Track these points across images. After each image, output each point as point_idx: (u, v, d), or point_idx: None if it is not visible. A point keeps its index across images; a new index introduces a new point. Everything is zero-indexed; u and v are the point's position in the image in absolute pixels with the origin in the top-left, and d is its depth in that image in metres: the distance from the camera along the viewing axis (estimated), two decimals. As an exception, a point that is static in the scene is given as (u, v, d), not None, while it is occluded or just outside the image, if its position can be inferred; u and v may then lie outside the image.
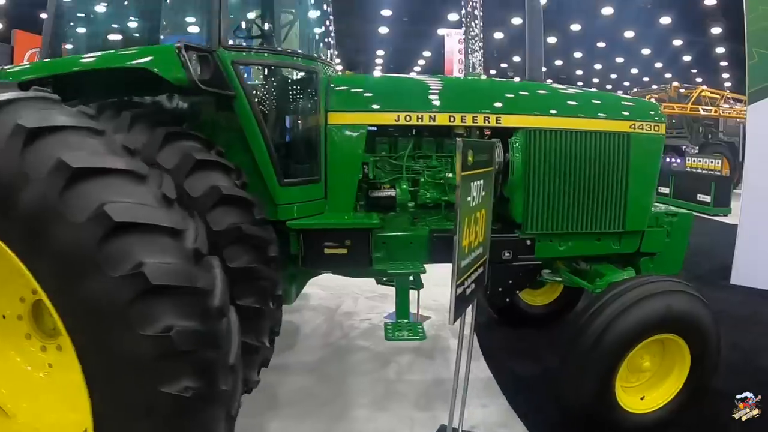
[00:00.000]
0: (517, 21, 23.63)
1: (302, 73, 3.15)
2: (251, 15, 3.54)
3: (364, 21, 25.20)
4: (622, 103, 3.63)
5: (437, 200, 3.26)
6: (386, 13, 24.46)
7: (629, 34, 25.86)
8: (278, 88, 3.18)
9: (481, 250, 2.57)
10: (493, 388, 3.52)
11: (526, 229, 3.25)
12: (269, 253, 2.59)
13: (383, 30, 27.42)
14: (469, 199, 2.29)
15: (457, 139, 2.26)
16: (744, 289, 5.91)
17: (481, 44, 11.52)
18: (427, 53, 32.54)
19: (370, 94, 3.20)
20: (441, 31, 22.67)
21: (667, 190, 13.02)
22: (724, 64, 29.98)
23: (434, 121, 3.10)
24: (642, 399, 2.93)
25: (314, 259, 3.01)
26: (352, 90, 3.18)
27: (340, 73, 3.45)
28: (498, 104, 3.24)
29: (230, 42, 2.76)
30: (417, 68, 36.60)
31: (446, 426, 2.65)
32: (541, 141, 3.18)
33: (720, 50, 27.40)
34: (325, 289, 5.28)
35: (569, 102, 3.41)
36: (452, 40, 21.14)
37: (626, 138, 3.32)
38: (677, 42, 27.08)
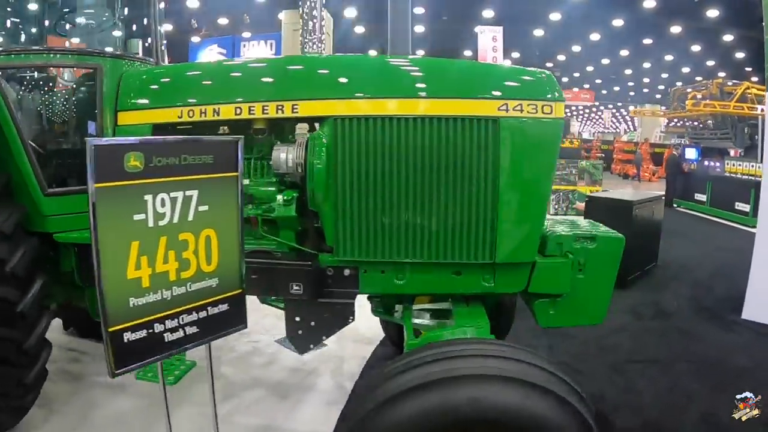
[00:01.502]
0: (555, 17, 22.28)
1: (82, 71, 2.75)
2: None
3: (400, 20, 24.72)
4: (489, 74, 2.62)
5: (253, 213, 2.56)
6: (420, 11, 23.76)
7: (675, 29, 23.69)
8: (47, 90, 2.78)
9: (212, 283, 1.96)
10: None
11: (338, 254, 2.43)
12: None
13: (419, 29, 26.76)
14: (138, 217, 1.70)
15: (87, 139, 1.63)
16: (755, 327, 4.72)
17: (321, 44, 10.82)
18: (468, 52, 31.59)
19: (156, 87, 2.66)
20: (478, 29, 21.71)
21: (704, 198, 11.59)
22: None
23: (218, 115, 2.45)
24: None
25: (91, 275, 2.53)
26: (140, 85, 2.65)
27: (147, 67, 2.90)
28: (295, 88, 2.48)
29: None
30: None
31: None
32: (352, 133, 2.34)
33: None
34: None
35: (399, 76, 2.51)
36: (486, 37, 20.10)
37: (492, 125, 2.31)
38: (728, 37, 24.53)
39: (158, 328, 1.79)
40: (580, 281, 2.50)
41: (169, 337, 1.83)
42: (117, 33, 3.09)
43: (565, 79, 36.23)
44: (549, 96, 2.35)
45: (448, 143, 2.31)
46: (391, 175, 2.35)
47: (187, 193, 1.82)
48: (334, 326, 2.54)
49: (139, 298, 1.73)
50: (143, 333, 1.75)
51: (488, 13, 22.07)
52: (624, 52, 28.94)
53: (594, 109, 50.53)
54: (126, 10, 3.17)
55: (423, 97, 2.37)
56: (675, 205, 13.01)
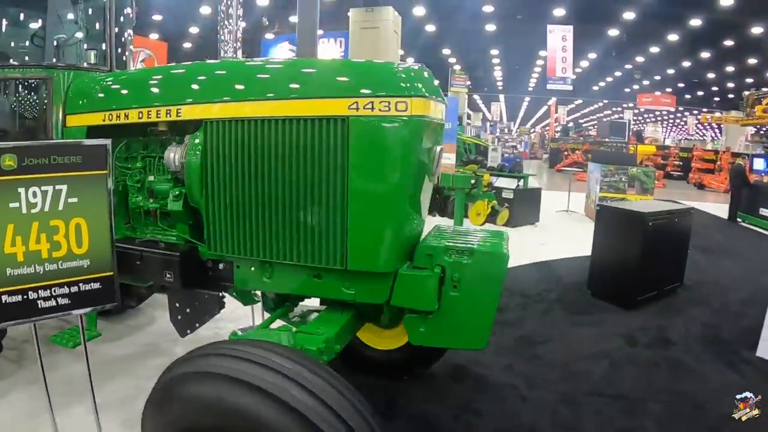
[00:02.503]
0: (629, 15, 21.19)
1: (31, 82, 3.25)
2: None
3: (472, 19, 24.51)
4: (341, 71, 2.49)
5: (143, 206, 3.01)
6: (489, 9, 23.47)
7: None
8: (7, 95, 3.30)
9: (83, 263, 2.44)
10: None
11: (210, 248, 2.64)
12: None
13: (490, 28, 26.41)
14: (13, 205, 2.22)
15: None
16: (765, 367, 4.01)
17: (237, 44, 10.55)
18: (543, 52, 30.70)
19: (91, 94, 3.10)
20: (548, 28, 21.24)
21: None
22: None
23: (128, 119, 2.86)
24: None
25: None
26: (81, 92, 3.14)
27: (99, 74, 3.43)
28: (180, 93, 2.70)
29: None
30: (537, 69, 34.78)
31: None
32: (218, 135, 2.50)
33: None
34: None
35: (258, 79, 2.60)
36: (555, 36, 19.67)
37: (341, 124, 2.26)
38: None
39: (32, 295, 2.31)
40: (455, 299, 2.39)
41: (42, 304, 2.34)
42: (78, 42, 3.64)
43: (645, 82, 34.21)
44: (405, 92, 2.22)
45: (301, 145, 2.33)
46: (253, 176, 2.46)
47: (57, 187, 2.32)
48: (206, 314, 2.90)
49: (15, 269, 2.25)
50: (18, 297, 2.27)
51: (559, 12, 21.39)
52: (705, 54, 26.89)
53: (678, 115, 47.21)
54: (86, 25, 3.70)
55: (273, 99, 2.41)
56: (739, 220, 12.16)
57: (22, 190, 2.23)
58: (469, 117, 53.35)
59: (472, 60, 31.20)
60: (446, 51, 31.92)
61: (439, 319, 2.43)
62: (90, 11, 3.76)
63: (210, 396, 1.73)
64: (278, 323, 2.77)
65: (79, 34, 3.71)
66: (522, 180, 10.07)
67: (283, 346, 2.04)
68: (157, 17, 26.69)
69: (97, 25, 3.65)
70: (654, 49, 26.73)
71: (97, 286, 2.48)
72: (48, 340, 3.91)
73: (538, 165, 32.83)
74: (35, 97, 3.23)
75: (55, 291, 2.37)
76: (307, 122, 2.33)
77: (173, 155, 2.73)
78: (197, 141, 2.63)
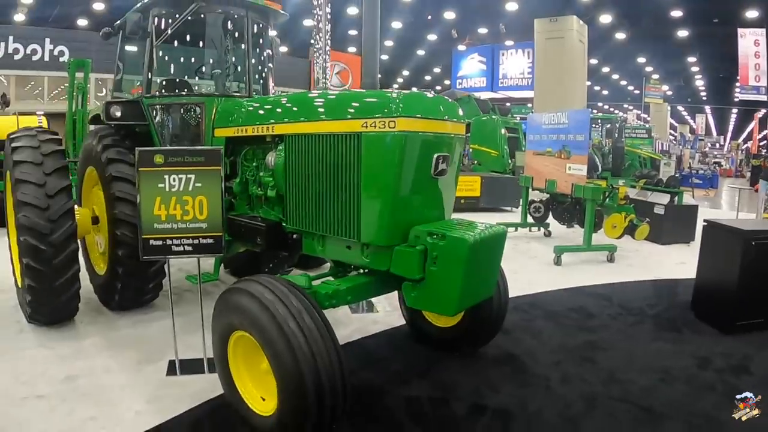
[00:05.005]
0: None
1: (193, 106, 4.65)
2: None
3: (663, 25, 22.55)
4: (358, 98, 3.34)
5: (255, 193, 4.18)
6: (677, 13, 21.25)
7: None
8: (176, 116, 4.74)
9: (202, 225, 3.63)
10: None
11: (287, 224, 3.72)
12: None
13: (682, 33, 23.76)
14: (161, 185, 3.50)
15: (137, 149, 3.48)
16: None
17: (327, 57, 9.70)
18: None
19: (226, 114, 4.38)
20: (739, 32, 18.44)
21: None
22: None
23: (246, 132, 4.09)
24: (263, 400, 2.92)
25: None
26: (222, 113, 4.44)
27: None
28: (274, 115, 3.84)
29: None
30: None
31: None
32: (293, 145, 3.55)
33: None
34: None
35: (313, 106, 3.58)
36: (747, 41, 17.10)
37: (357, 138, 3.11)
38: None
39: (168, 242, 3.57)
40: (434, 273, 2.98)
41: (174, 248, 3.59)
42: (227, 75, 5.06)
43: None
44: (394, 114, 2.98)
45: (334, 152, 3.26)
46: (308, 174, 3.48)
47: (188, 176, 3.54)
48: (281, 267, 4.02)
49: (159, 224, 3.54)
50: (160, 242, 3.55)
51: (751, 14, 18.41)
52: None
53: None
54: (234, 63, 5.08)
55: (320, 120, 3.41)
56: None
57: (166, 177, 3.51)
58: (674, 129, 47.69)
59: (671, 68, 28.17)
60: (641, 59, 29.39)
61: (423, 287, 3.07)
62: (236, 52, 5.13)
63: (235, 301, 2.82)
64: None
65: (228, 69, 5.13)
66: (676, 196, 9.33)
67: (293, 283, 2.88)
68: (353, 32, 29.52)
69: (239, 65, 5.02)
70: None
71: (210, 241, 3.65)
72: (184, 278, 5.60)
73: (740, 183, 28.09)
74: (197, 115, 4.64)
75: (183, 241, 3.60)
76: (336, 137, 3.27)
77: (270, 158, 3.94)
78: (280, 148, 3.77)
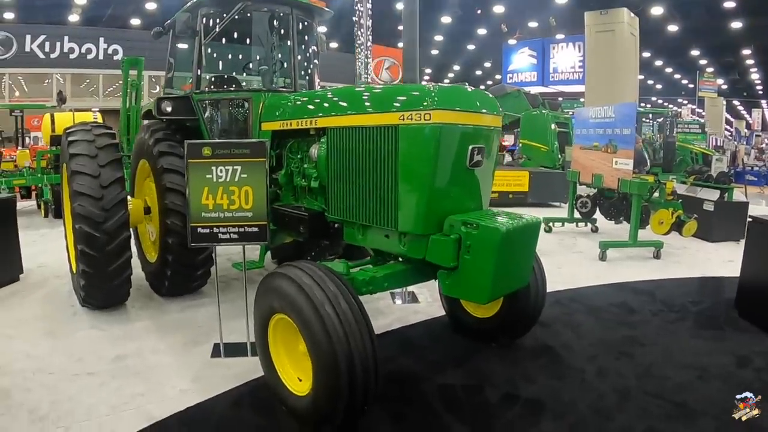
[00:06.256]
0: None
1: (240, 101, 4.82)
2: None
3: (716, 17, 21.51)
4: (396, 92, 3.38)
5: (299, 184, 4.31)
6: (730, 5, 20.22)
7: None
8: (224, 111, 4.91)
9: (248, 214, 3.79)
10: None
11: (329, 213, 3.84)
12: None
13: (736, 25, 22.58)
14: (208, 176, 3.68)
15: (186, 141, 3.67)
16: None
17: (368, 53, 9.36)
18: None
19: (272, 109, 4.52)
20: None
21: None
22: None
23: (291, 126, 4.22)
24: (300, 381, 3.04)
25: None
26: (268, 108, 4.59)
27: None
28: (316, 109, 3.93)
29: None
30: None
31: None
32: (334, 138, 3.65)
33: None
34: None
35: (354, 100, 3.66)
36: None
37: (395, 130, 3.19)
38: None
39: (215, 230, 3.76)
40: (468, 261, 3.03)
41: (221, 236, 3.78)
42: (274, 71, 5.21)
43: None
44: (428, 106, 3.05)
45: (373, 144, 3.34)
46: (350, 165, 3.56)
47: (234, 167, 3.71)
48: (323, 255, 4.15)
49: (206, 213, 3.73)
50: (207, 230, 3.75)
51: None
52: None
53: None
54: (280, 59, 5.21)
55: (359, 113, 3.48)
56: None
57: (214, 168, 3.69)
58: (730, 124, 45.48)
59: (726, 61, 26.87)
60: (694, 52, 28.17)
61: (458, 275, 3.13)
62: (282, 49, 5.28)
63: (275, 284, 2.95)
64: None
65: (275, 66, 5.29)
66: (726, 192, 8.98)
67: (331, 269, 2.98)
68: (402, 27, 29.64)
69: (285, 62, 5.17)
70: None
71: (255, 229, 3.81)
72: (231, 265, 5.76)
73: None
74: (245, 110, 4.83)
75: (229, 229, 3.78)
76: (376, 129, 3.35)
77: (314, 150, 4.06)
78: (323, 141, 3.88)
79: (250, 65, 5.50)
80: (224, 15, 4.73)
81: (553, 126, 15.25)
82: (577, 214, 9.67)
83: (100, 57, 18.99)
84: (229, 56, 5.60)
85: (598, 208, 9.52)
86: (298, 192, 4.46)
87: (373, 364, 2.64)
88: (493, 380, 3.64)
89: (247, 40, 5.37)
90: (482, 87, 30.97)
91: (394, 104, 3.28)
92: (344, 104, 3.74)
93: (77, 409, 3.19)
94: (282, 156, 4.55)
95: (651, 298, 5.67)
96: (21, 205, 10.57)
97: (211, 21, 4.84)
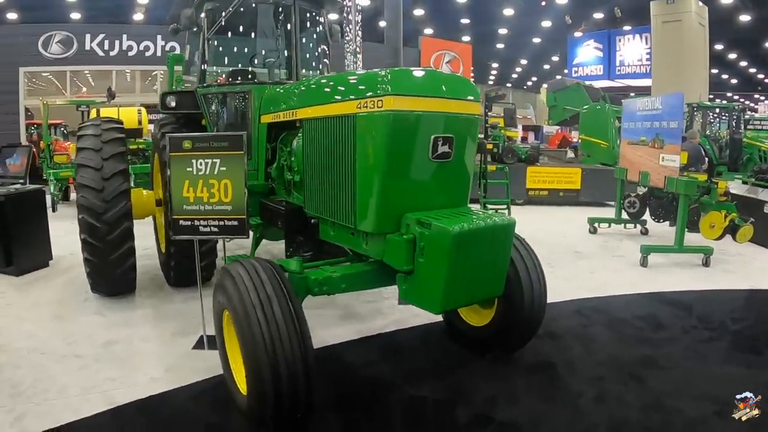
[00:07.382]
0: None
1: (241, 94, 4.75)
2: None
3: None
4: (357, 79, 3.15)
5: (287, 178, 4.19)
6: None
7: None
8: (227, 104, 4.88)
9: (227, 208, 3.72)
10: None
11: (305, 209, 3.70)
12: None
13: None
14: (189, 169, 3.64)
15: (168, 135, 3.63)
16: None
17: (357, 47, 8.58)
18: None
19: (271, 101, 4.39)
20: None
21: None
22: None
23: (280, 118, 4.08)
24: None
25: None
26: (266, 100, 4.47)
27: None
28: (298, 100, 3.76)
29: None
30: None
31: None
32: (307, 129, 3.53)
33: None
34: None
35: (319, 90, 3.49)
36: None
37: (353, 120, 2.94)
38: None
39: (196, 222, 3.73)
40: (421, 264, 2.76)
41: (201, 228, 3.74)
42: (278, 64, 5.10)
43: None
44: (380, 92, 2.78)
45: (334, 135, 3.14)
46: (319, 158, 3.37)
47: (213, 160, 3.64)
48: (301, 249, 4.01)
49: (187, 206, 3.70)
50: (188, 222, 3.72)
51: None
52: None
53: None
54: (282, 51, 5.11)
55: (322, 104, 3.30)
56: None
57: (194, 161, 3.65)
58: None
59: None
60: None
61: (413, 279, 2.86)
62: (287, 41, 5.15)
63: (222, 281, 2.88)
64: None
65: (280, 58, 5.18)
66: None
67: (277, 268, 2.86)
68: (465, 21, 28.75)
69: (286, 52, 5.05)
70: None
71: (234, 223, 3.73)
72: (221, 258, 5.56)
73: None
74: (246, 103, 4.77)
75: (209, 222, 3.74)
76: (334, 119, 3.15)
77: (295, 143, 3.93)
78: (299, 134, 3.74)
79: (255, 59, 5.44)
80: (229, 8, 4.69)
81: (614, 121, 14.37)
82: (625, 215, 8.99)
83: (158, 54, 19.81)
84: (235, 49, 5.58)
85: (647, 209, 8.82)
86: (287, 186, 4.36)
87: (303, 371, 2.49)
88: (470, 397, 3.34)
89: (252, 33, 5.31)
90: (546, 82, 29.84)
91: (353, 92, 3.02)
92: (315, 94, 3.56)
93: (52, 387, 3.32)
94: (276, 149, 4.46)
95: (686, 312, 5.11)
96: (74, 196, 11.22)
97: (213, 15, 4.81)
